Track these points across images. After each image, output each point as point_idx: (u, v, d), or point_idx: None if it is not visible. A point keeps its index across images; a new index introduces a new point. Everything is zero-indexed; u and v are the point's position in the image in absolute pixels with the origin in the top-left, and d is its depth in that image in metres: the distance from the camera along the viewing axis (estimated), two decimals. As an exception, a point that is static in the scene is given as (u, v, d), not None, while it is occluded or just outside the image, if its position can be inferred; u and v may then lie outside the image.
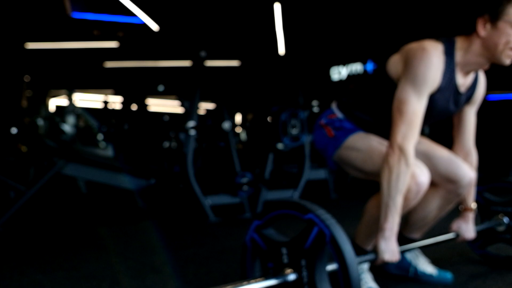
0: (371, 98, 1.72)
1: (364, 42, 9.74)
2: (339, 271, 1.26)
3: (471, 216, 1.86)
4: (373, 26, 9.21)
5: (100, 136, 6.59)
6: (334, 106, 1.82)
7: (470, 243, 2.19)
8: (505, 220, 2.06)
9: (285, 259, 1.38)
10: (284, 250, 1.38)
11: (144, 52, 10.70)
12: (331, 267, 1.34)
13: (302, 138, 3.75)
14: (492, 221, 2.09)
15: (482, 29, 1.56)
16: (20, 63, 10.41)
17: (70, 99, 7.25)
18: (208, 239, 2.86)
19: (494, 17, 1.53)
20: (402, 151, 1.50)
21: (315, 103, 4.74)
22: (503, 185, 2.17)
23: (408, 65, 1.55)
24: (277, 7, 8.61)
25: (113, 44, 10.03)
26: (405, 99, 1.54)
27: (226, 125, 3.64)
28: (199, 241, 2.79)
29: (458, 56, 1.60)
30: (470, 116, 1.80)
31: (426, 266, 1.91)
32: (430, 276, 1.88)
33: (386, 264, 1.97)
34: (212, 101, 4.20)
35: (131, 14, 8.69)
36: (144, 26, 9.13)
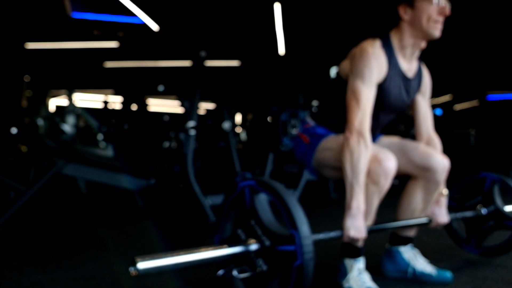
0: (335, 103, 1.87)
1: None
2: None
3: (443, 201, 1.94)
4: (373, 26, 9.20)
5: (100, 136, 6.59)
6: (307, 117, 2.00)
7: (466, 246, 2.24)
8: (483, 211, 2.16)
9: (243, 236, 1.46)
10: (258, 230, 1.42)
11: (144, 52, 10.68)
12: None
13: (302, 138, 3.75)
14: (472, 212, 2.17)
15: (404, 14, 1.78)
16: (20, 63, 10.40)
17: (70, 99, 7.25)
18: (208, 239, 2.85)
19: (410, 1, 1.77)
20: (360, 134, 1.65)
21: (315, 103, 4.74)
22: (465, 181, 2.29)
23: (352, 63, 1.76)
24: (277, 7, 8.60)
25: (113, 44, 10.02)
26: (356, 88, 1.71)
27: (226, 125, 3.64)
28: (199, 241, 2.79)
29: (395, 43, 1.81)
30: (424, 106, 1.96)
31: (425, 266, 1.91)
32: (429, 275, 1.88)
33: (384, 268, 1.97)
34: (212, 101, 4.20)
35: (131, 14, 8.68)
36: (144, 26, 9.12)
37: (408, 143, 1.91)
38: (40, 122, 7.21)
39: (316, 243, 1.48)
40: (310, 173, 2.00)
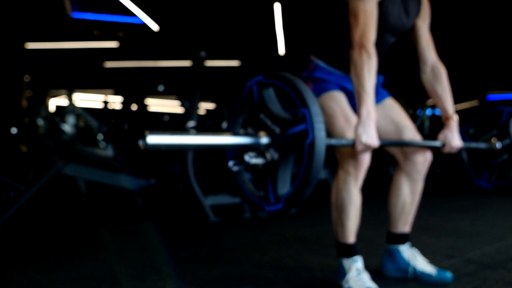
0: (340, 34, 1.85)
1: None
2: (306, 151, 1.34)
3: (454, 125, 1.92)
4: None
5: (100, 136, 6.58)
6: (312, 56, 1.95)
7: (478, 181, 2.23)
8: (498, 145, 2.11)
9: (264, 126, 1.46)
10: (268, 121, 1.43)
11: (144, 52, 10.68)
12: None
13: (302, 138, 3.76)
14: (486, 144, 2.13)
15: None
16: (20, 63, 10.40)
17: (70, 99, 7.24)
18: (208, 239, 2.86)
19: None
20: (362, 46, 1.66)
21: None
22: (481, 115, 2.27)
23: None
24: (277, 7, 8.60)
25: (113, 44, 10.02)
26: (355, 6, 1.70)
27: (226, 125, 3.64)
28: (199, 241, 2.79)
29: None
30: (424, 31, 1.93)
31: (425, 266, 1.91)
32: (429, 275, 1.88)
33: (384, 268, 1.97)
34: (212, 101, 4.20)
35: (131, 14, 8.68)
36: (144, 26, 9.12)
37: (405, 121, 1.92)
38: (40, 122, 7.21)
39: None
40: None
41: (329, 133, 1.78)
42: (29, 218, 3.54)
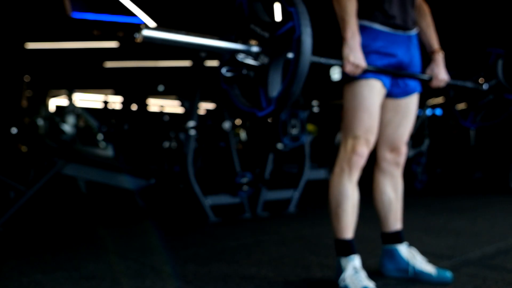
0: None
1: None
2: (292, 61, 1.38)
3: (440, 59, 1.96)
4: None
5: (100, 136, 6.58)
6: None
7: (463, 121, 2.24)
8: (485, 86, 2.11)
9: (255, 36, 1.50)
10: (258, 29, 1.49)
11: (144, 52, 10.69)
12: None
13: (302, 138, 3.76)
14: (472, 83, 2.13)
15: None
16: (20, 63, 10.40)
17: (70, 99, 7.24)
18: (208, 239, 2.86)
19: None
20: None
21: (315, 103, 4.74)
22: (469, 57, 2.25)
23: None
24: (277, 7, 8.61)
25: (113, 44, 10.02)
26: None
27: (226, 125, 3.64)
28: (199, 241, 2.80)
29: None
30: None
31: (424, 265, 1.91)
32: (429, 275, 1.88)
33: (384, 268, 1.97)
34: (212, 101, 4.20)
35: (131, 14, 8.69)
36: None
37: (407, 123, 1.93)
38: (40, 122, 7.21)
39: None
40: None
41: (347, 119, 1.80)
42: (29, 218, 3.54)
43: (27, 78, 10.55)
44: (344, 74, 1.80)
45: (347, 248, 1.78)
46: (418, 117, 6.08)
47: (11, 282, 1.96)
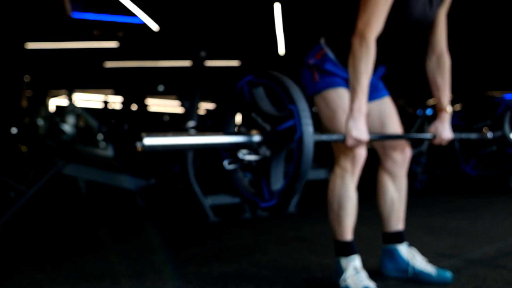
0: (351, 17, 1.77)
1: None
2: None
3: (446, 117, 1.92)
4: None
5: (100, 136, 6.59)
6: (322, 41, 1.90)
7: (464, 166, 2.24)
8: (489, 134, 2.11)
9: (256, 125, 1.51)
10: (259, 119, 1.49)
11: (144, 52, 10.68)
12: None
13: (302, 138, 3.75)
14: (477, 134, 2.13)
15: None
16: (20, 63, 10.40)
17: (70, 99, 7.24)
18: (208, 239, 2.86)
19: None
20: (363, 37, 1.62)
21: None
22: (479, 103, 2.23)
23: None
24: (277, 7, 8.60)
25: (113, 44, 10.02)
26: None
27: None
28: (199, 241, 2.79)
29: None
30: (441, 18, 1.88)
31: (424, 265, 1.90)
32: (429, 275, 1.87)
33: (384, 268, 1.97)
34: (212, 101, 4.20)
35: (131, 14, 8.68)
36: (144, 26, 9.12)
37: (392, 120, 1.92)
38: (40, 122, 7.21)
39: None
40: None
41: (331, 128, 1.79)
42: (29, 218, 3.54)
43: (27, 78, 10.54)
44: (312, 84, 1.84)
45: (348, 248, 1.78)
46: (418, 117, 6.08)
47: (11, 282, 1.96)
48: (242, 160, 1.49)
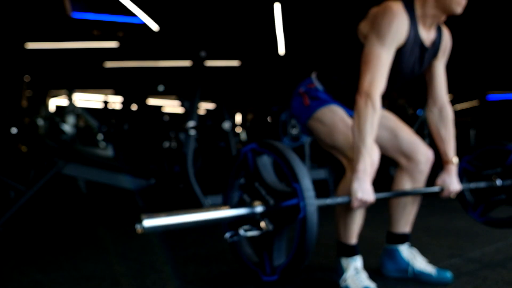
0: (344, 61, 1.83)
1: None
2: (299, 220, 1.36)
3: (453, 169, 1.91)
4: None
5: (100, 136, 6.58)
6: (313, 76, 1.92)
7: (471, 212, 2.23)
8: (498, 182, 2.11)
9: (259, 195, 1.49)
10: (262, 191, 1.44)
11: (144, 52, 10.69)
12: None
13: (302, 138, 3.76)
14: (486, 183, 2.12)
15: None
16: (20, 63, 10.40)
17: (70, 99, 7.24)
18: (208, 239, 2.86)
19: None
20: (368, 96, 1.62)
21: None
22: (490, 148, 2.22)
23: (373, 22, 1.68)
24: (277, 7, 8.61)
25: (113, 44, 10.03)
26: (371, 50, 1.65)
27: (226, 125, 3.64)
28: (199, 241, 2.79)
29: (418, 10, 1.72)
30: (439, 71, 1.90)
31: (424, 265, 1.91)
32: (429, 275, 1.88)
33: (383, 268, 1.97)
34: (212, 101, 4.20)
35: (131, 14, 8.69)
36: (144, 26, 9.12)
37: (401, 127, 1.90)
38: (40, 122, 7.21)
39: (323, 209, 1.49)
40: (303, 131, 1.97)
41: (332, 143, 1.77)
42: (29, 218, 3.54)
43: (27, 78, 10.55)
44: (304, 109, 1.84)
45: (350, 250, 1.77)
46: (418, 117, 6.08)
47: (11, 282, 1.96)
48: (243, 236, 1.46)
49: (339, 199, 1.58)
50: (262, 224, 1.43)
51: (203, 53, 3.70)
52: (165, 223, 1.29)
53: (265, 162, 1.52)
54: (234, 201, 1.61)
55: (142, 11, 8.56)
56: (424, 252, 2.07)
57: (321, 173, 4.48)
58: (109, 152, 6.01)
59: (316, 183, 4.60)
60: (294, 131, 3.72)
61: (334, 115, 1.80)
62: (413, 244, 2.02)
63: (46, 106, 8.25)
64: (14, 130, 7.62)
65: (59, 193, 4.85)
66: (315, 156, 4.35)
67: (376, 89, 1.63)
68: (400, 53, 1.70)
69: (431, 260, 2.02)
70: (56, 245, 2.69)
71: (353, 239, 1.78)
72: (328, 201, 1.54)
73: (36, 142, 4.43)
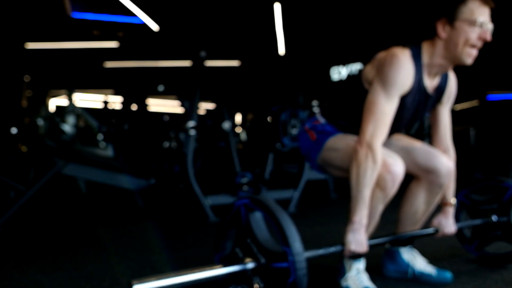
0: (348, 106, 1.82)
1: (364, 42, 9.74)
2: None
3: (450, 211, 1.91)
4: (373, 26, 9.22)
5: (100, 136, 6.59)
6: (317, 113, 1.93)
7: (467, 246, 2.22)
8: (494, 218, 2.10)
9: (240, 254, 1.47)
10: (254, 248, 1.45)
11: (144, 52, 10.70)
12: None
13: (302, 138, 3.75)
14: (482, 220, 2.12)
15: (442, 31, 1.66)
16: (20, 63, 10.41)
17: (70, 99, 7.24)
18: (208, 239, 2.85)
19: (451, 18, 1.64)
20: (370, 147, 1.59)
21: (315, 103, 4.74)
22: (487, 184, 2.21)
23: (379, 70, 1.65)
24: (277, 7, 8.62)
25: (113, 44, 10.04)
26: (375, 100, 1.63)
27: (226, 125, 3.64)
28: (199, 241, 2.79)
29: (425, 58, 1.70)
30: (444, 116, 1.88)
31: (424, 266, 1.91)
32: (429, 276, 1.88)
33: (384, 268, 1.97)
34: (212, 101, 4.20)
35: (131, 14, 8.70)
36: (144, 26, 9.14)
37: (413, 143, 1.87)
38: (40, 122, 7.21)
39: (314, 258, 1.48)
40: (315, 170, 1.95)
41: (347, 164, 1.68)
42: (29, 218, 3.54)
43: (27, 78, 10.55)
44: (312, 145, 1.82)
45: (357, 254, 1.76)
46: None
47: (11, 282, 1.96)
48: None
49: (332, 249, 1.57)
50: (256, 286, 1.43)
51: (203, 53, 3.70)
52: (157, 286, 1.27)
53: (258, 218, 1.50)
54: (226, 251, 1.60)
55: (142, 11, 8.56)
56: (424, 252, 2.07)
57: (321, 173, 4.47)
58: (109, 152, 6.01)
59: (316, 183, 4.59)
60: (294, 131, 3.72)
61: (346, 139, 1.76)
62: (413, 244, 2.01)
63: (46, 106, 8.25)
64: (14, 130, 7.62)
65: (59, 193, 4.85)
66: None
67: (378, 141, 1.60)
68: (403, 100, 1.68)
69: (431, 260, 2.02)
70: (56, 245, 2.69)
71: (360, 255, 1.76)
72: (321, 251, 1.54)
73: (36, 142, 4.43)
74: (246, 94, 11.36)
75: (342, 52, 10.41)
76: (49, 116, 7.33)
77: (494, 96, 10.80)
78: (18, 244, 2.73)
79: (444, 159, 1.81)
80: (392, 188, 1.64)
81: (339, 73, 11.02)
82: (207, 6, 8.36)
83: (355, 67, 10.75)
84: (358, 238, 1.59)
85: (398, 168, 1.62)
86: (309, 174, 4.10)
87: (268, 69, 10.97)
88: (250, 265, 1.43)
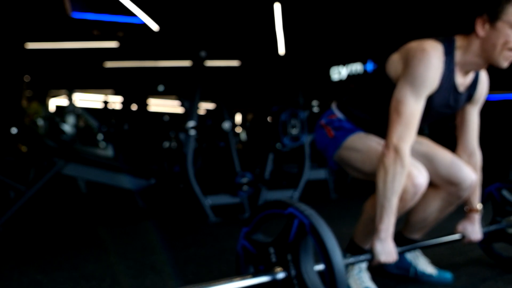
0: (370, 97, 1.71)
1: (364, 42, 9.74)
2: (325, 270, 1.22)
3: (476, 217, 1.84)
4: (373, 26, 9.22)
5: (100, 136, 6.59)
6: (334, 106, 1.82)
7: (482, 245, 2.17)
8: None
9: (273, 258, 1.37)
10: (271, 250, 1.38)
11: (144, 52, 10.70)
12: (319, 267, 1.31)
13: (302, 138, 3.76)
14: (503, 222, 2.08)
15: (481, 29, 1.54)
16: (20, 63, 10.41)
17: (70, 99, 7.25)
18: (208, 239, 2.86)
19: (493, 17, 1.51)
20: (397, 152, 1.49)
21: (315, 103, 4.74)
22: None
23: (408, 65, 1.53)
24: (277, 7, 8.62)
25: (113, 44, 10.04)
26: (403, 100, 1.53)
27: (226, 125, 3.64)
28: (199, 241, 2.79)
29: (458, 55, 1.59)
30: (473, 116, 1.78)
31: (426, 266, 1.91)
32: (430, 276, 1.88)
33: (386, 264, 1.97)
34: (212, 101, 4.20)
35: (131, 14, 8.70)
36: (144, 26, 9.14)
37: (437, 150, 1.77)
38: (40, 122, 7.22)
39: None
40: (329, 164, 1.84)
41: (372, 167, 1.62)
42: (29, 218, 3.54)
43: (27, 78, 10.55)
44: (329, 141, 1.74)
45: (360, 251, 1.76)
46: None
47: (11, 282, 1.96)
48: None
49: (362, 257, 1.51)
50: None
51: (203, 53, 3.70)
52: None
53: (309, 245, 1.34)
54: (257, 236, 1.47)
55: (142, 11, 8.56)
56: (424, 252, 2.07)
57: (321, 173, 4.48)
58: (109, 152, 6.01)
59: (316, 183, 4.59)
60: (294, 131, 3.72)
61: (368, 140, 1.69)
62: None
63: (46, 106, 8.25)
64: (14, 130, 7.62)
65: (59, 193, 4.85)
66: (315, 156, 4.35)
67: (406, 144, 1.51)
68: (430, 98, 1.58)
69: (432, 260, 2.02)
70: (56, 245, 2.69)
71: (367, 245, 1.76)
72: (351, 260, 1.49)
73: (36, 142, 4.43)
74: (246, 94, 11.36)
75: (342, 52, 10.42)
76: (49, 116, 7.34)
77: (494, 96, 10.80)
78: (18, 244, 2.73)
79: (467, 171, 1.71)
80: (412, 201, 1.57)
81: (339, 73, 11.03)
82: (207, 6, 8.36)
83: (355, 67, 10.75)
84: (387, 249, 1.51)
85: (423, 180, 1.54)
86: (309, 174, 4.10)
87: (268, 69, 10.97)
88: (281, 274, 1.33)
